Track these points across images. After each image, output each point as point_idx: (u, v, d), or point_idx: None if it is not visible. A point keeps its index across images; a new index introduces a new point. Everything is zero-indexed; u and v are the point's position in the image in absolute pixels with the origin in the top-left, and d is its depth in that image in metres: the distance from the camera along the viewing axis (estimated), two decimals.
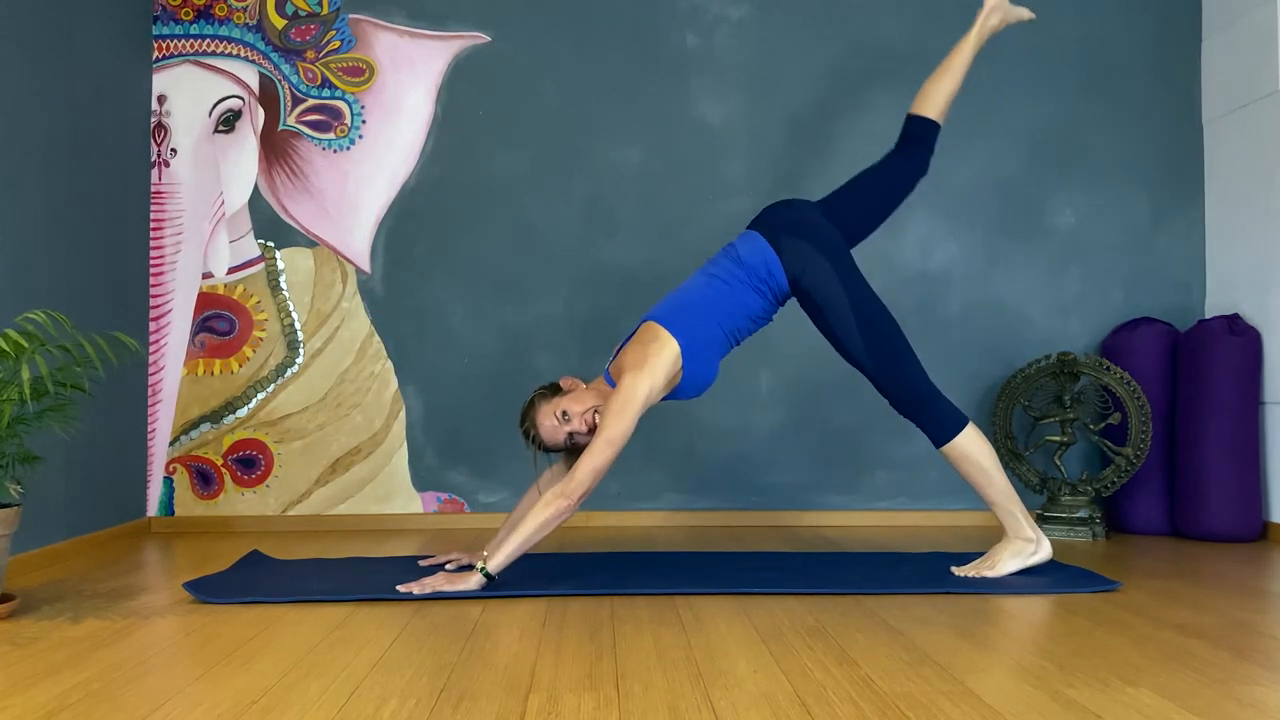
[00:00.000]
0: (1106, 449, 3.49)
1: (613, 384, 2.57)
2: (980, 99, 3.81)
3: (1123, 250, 3.80)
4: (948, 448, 2.58)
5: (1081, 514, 3.41)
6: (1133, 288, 3.79)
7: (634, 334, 2.59)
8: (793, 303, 2.70)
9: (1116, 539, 3.43)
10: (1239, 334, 3.40)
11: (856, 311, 2.59)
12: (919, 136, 2.82)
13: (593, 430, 2.52)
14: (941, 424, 2.58)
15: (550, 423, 2.54)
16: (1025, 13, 2.89)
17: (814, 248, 2.61)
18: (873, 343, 2.58)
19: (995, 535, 3.38)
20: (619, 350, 2.61)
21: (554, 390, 2.61)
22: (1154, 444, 3.51)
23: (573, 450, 2.61)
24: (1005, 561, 2.60)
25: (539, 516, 2.40)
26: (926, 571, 2.68)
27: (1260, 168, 3.49)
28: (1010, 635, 2.07)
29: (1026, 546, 2.61)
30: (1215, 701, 1.61)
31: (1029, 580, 2.55)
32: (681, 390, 2.59)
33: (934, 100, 2.83)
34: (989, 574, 2.58)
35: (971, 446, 2.57)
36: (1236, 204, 3.63)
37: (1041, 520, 3.44)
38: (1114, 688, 1.68)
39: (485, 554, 2.47)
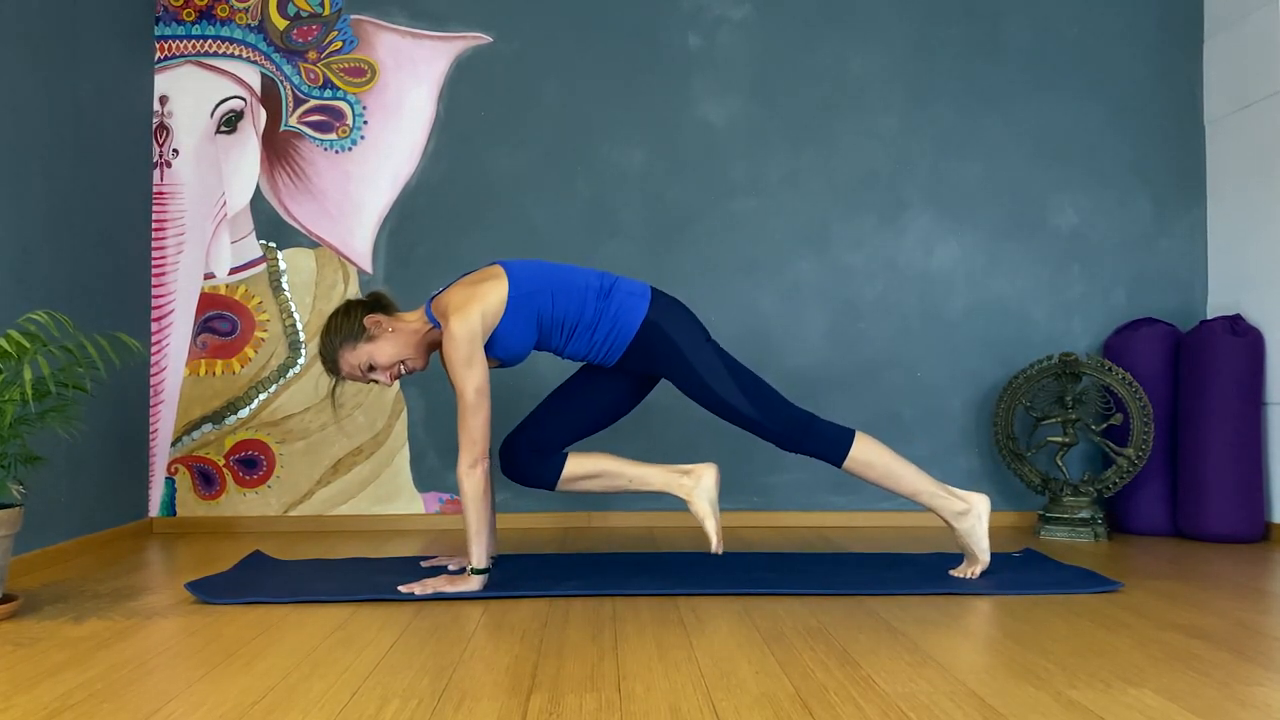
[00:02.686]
0: (1108, 450, 3.48)
1: (431, 315, 2.53)
2: (982, 99, 3.82)
3: (1125, 251, 3.80)
4: (848, 462, 2.56)
5: (1083, 515, 3.40)
6: (1135, 288, 3.79)
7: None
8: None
9: (1118, 539, 3.42)
10: (1241, 335, 3.40)
11: (725, 361, 2.58)
12: (545, 463, 2.66)
13: (398, 378, 2.55)
14: (832, 442, 2.56)
15: (355, 374, 2.53)
16: (712, 530, 2.59)
17: (685, 315, 2.60)
18: (748, 388, 2.56)
19: (999, 533, 3.39)
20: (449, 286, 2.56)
21: (358, 334, 2.50)
22: (1156, 445, 3.51)
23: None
24: (974, 544, 2.58)
25: (472, 492, 2.40)
26: (928, 572, 2.68)
27: (1262, 168, 3.49)
28: (1012, 635, 2.07)
29: (968, 519, 2.58)
30: (1217, 702, 1.61)
31: (1031, 580, 2.55)
32: (492, 344, 2.50)
33: (579, 469, 2.63)
34: (980, 567, 2.59)
35: (869, 453, 2.56)
36: (1238, 204, 3.63)
37: (1043, 521, 3.45)
38: (1116, 688, 1.68)
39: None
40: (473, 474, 2.41)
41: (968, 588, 2.49)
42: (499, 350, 2.53)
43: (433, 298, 2.56)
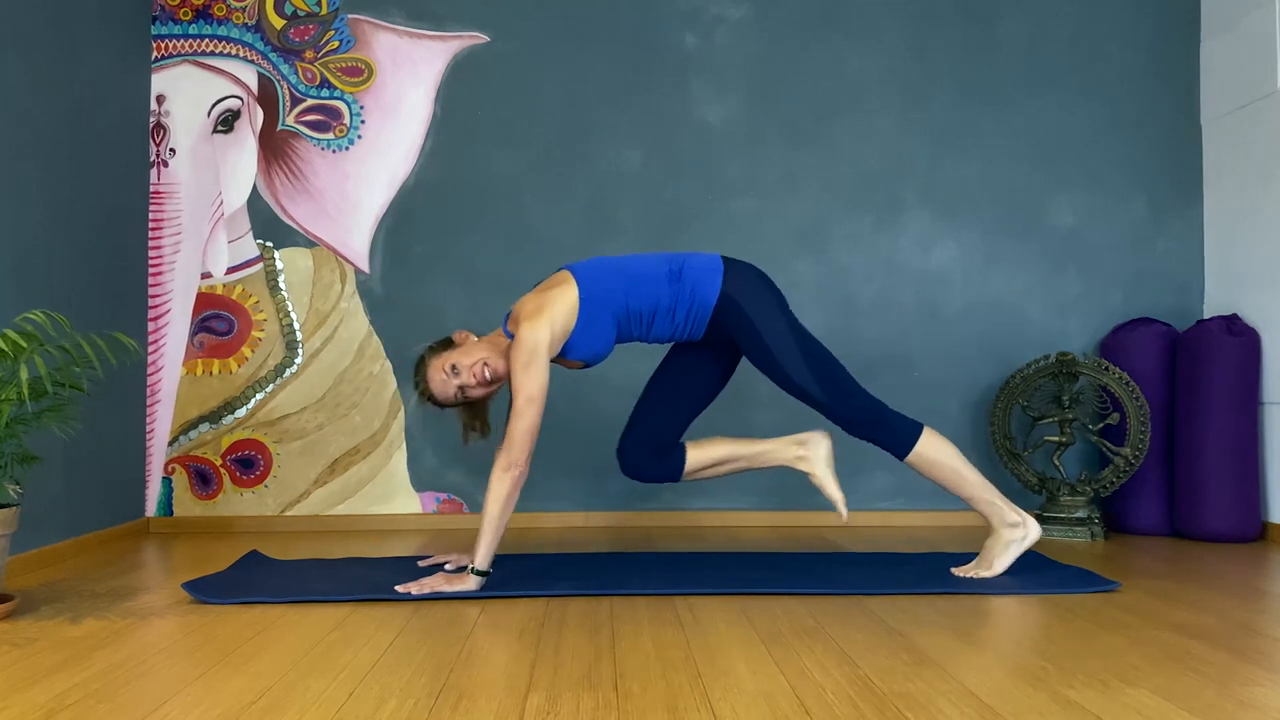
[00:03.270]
0: (1105, 449, 3.49)
1: (508, 332, 2.55)
2: (979, 99, 3.82)
3: (1122, 250, 3.80)
4: (911, 457, 2.57)
5: (1080, 514, 3.41)
6: (1132, 288, 3.79)
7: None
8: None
9: (1115, 539, 3.43)
10: (1238, 334, 3.40)
11: (800, 344, 2.57)
12: (666, 459, 2.71)
13: (483, 383, 2.52)
14: (900, 435, 2.57)
15: (440, 376, 2.52)
16: (837, 497, 2.67)
17: (761, 286, 2.60)
18: (819, 371, 2.56)
19: None
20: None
21: (445, 344, 2.58)
22: (1153, 444, 3.51)
23: (467, 406, 2.61)
24: (999, 558, 2.60)
25: (498, 495, 2.41)
26: (925, 572, 2.68)
27: (1260, 168, 3.49)
28: (1009, 636, 2.07)
29: (1015, 533, 2.60)
30: (1215, 702, 1.61)
31: (1028, 580, 2.55)
32: (571, 349, 2.53)
33: (700, 459, 2.70)
34: (986, 574, 2.58)
35: (934, 450, 2.57)
36: (1236, 204, 3.63)
37: (1040, 521, 3.45)
38: (1113, 688, 1.68)
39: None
40: (504, 477, 2.41)
41: (965, 588, 2.49)
42: (581, 353, 2.55)
43: (508, 315, 2.59)
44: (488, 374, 2.51)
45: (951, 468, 2.57)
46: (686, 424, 2.77)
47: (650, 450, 2.70)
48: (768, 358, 2.57)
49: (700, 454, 2.70)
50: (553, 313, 2.46)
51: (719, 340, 2.67)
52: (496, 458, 2.43)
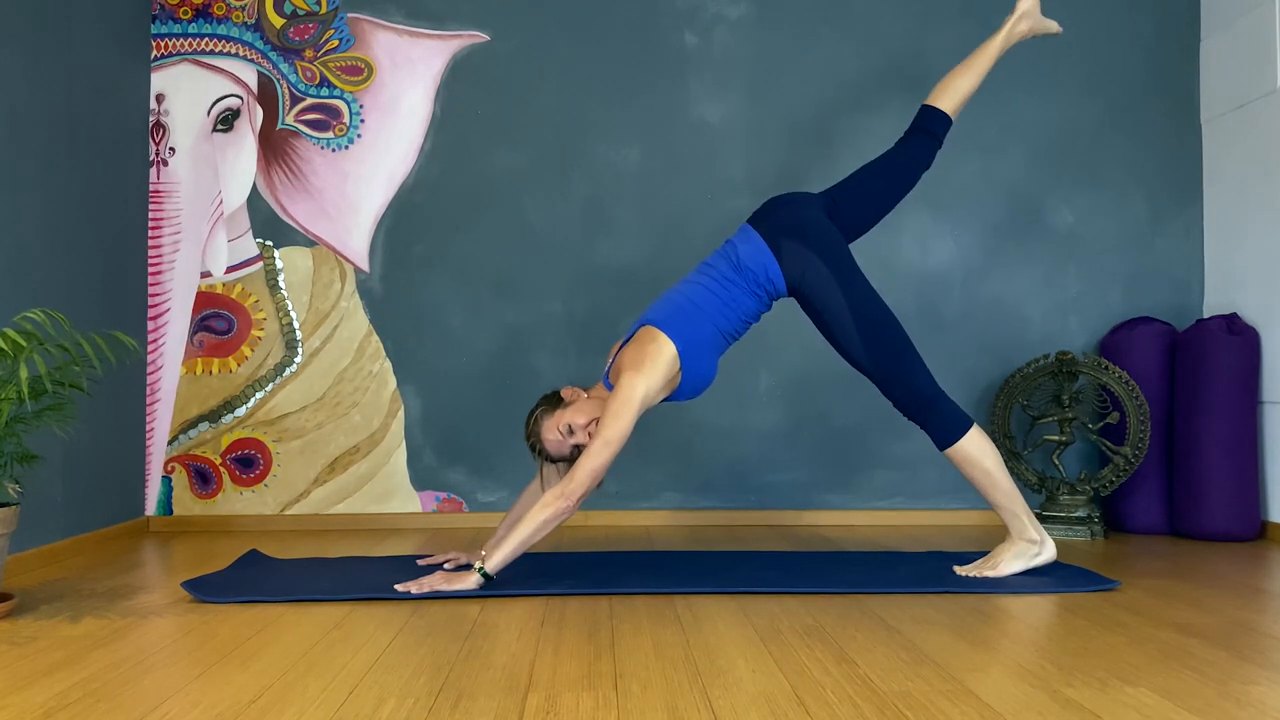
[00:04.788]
0: (1105, 448, 3.49)
1: (609, 385, 2.57)
2: (979, 98, 3.80)
3: (1121, 250, 3.80)
4: (952, 450, 2.57)
5: (1080, 513, 3.41)
6: (1131, 287, 3.79)
7: (631, 336, 2.59)
8: (786, 300, 2.70)
9: (1115, 538, 3.43)
10: (1237, 334, 3.40)
11: (856, 315, 2.58)
12: (930, 128, 2.83)
13: None
14: (946, 426, 2.57)
15: (555, 437, 2.55)
16: (1053, 25, 2.93)
17: (814, 252, 2.60)
18: (873, 346, 2.57)
19: (994, 534, 3.39)
20: (617, 352, 2.61)
21: (556, 401, 2.60)
22: (1152, 443, 3.51)
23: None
24: (1008, 562, 2.60)
25: (539, 517, 2.41)
26: (925, 571, 2.68)
27: (1259, 167, 3.49)
28: (1009, 635, 2.07)
29: (1030, 548, 2.61)
30: (1214, 701, 1.61)
31: (1027, 580, 2.55)
32: (681, 392, 2.59)
33: (951, 94, 2.84)
34: (990, 574, 2.58)
35: (975, 449, 2.57)
36: (1235, 203, 3.63)
37: (1040, 520, 3.44)
38: (1113, 687, 1.68)
39: (483, 553, 2.47)
40: (555, 503, 2.41)
41: (965, 587, 2.49)
42: (689, 393, 2.60)
43: (606, 373, 2.62)
44: None
45: (987, 471, 2.57)
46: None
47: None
48: (825, 328, 2.64)
49: (952, 87, 2.87)
50: (653, 369, 2.48)
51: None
52: (560, 483, 2.42)
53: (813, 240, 2.61)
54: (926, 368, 2.61)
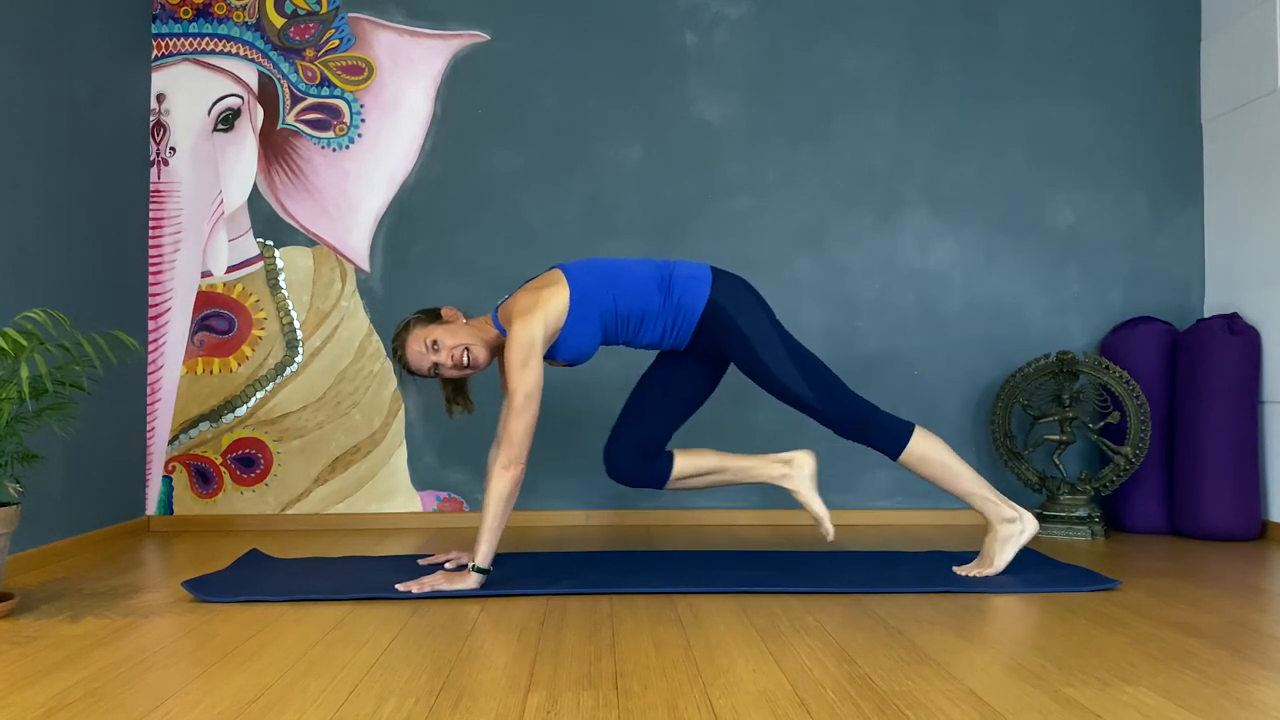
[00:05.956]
0: (1105, 448, 3.49)
1: (498, 324, 2.56)
2: (979, 98, 3.82)
3: (1122, 249, 3.80)
4: (904, 456, 2.57)
5: (1080, 513, 3.41)
6: (1132, 287, 3.79)
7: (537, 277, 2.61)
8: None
9: (1115, 538, 3.43)
10: (1238, 333, 3.40)
11: (788, 345, 2.59)
12: (652, 464, 2.70)
13: (458, 366, 2.53)
14: (891, 434, 2.57)
15: (419, 348, 2.53)
16: (822, 514, 2.67)
17: (749, 294, 2.62)
18: (809, 375, 2.58)
19: None
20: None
21: (433, 316, 2.59)
22: (1153, 443, 3.51)
23: (449, 381, 2.63)
24: (999, 553, 2.60)
25: (497, 493, 2.42)
26: (925, 570, 2.68)
27: (1259, 167, 3.49)
28: (1009, 634, 2.07)
29: (1012, 528, 2.60)
30: (1214, 700, 1.61)
31: (1028, 579, 2.55)
32: (558, 348, 2.55)
33: (688, 468, 2.69)
34: (989, 572, 2.58)
35: (927, 448, 2.57)
36: (1236, 203, 3.63)
37: (1040, 519, 3.45)
38: (1113, 687, 1.68)
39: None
40: (504, 475, 2.42)
41: (965, 586, 2.49)
42: (566, 353, 2.56)
43: (498, 306, 2.60)
44: (466, 359, 2.53)
45: (944, 464, 2.58)
46: (674, 429, 2.77)
47: (639, 454, 2.70)
48: (757, 362, 2.59)
49: (688, 462, 2.70)
50: (546, 311, 2.48)
51: (704, 350, 2.69)
52: (495, 456, 2.43)
53: (743, 320, 2.60)
54: (851, 389, 2.62)
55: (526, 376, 2.43)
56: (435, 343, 2.52)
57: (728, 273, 2.66)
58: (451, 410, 2.70)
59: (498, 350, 2.61)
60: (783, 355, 2.58)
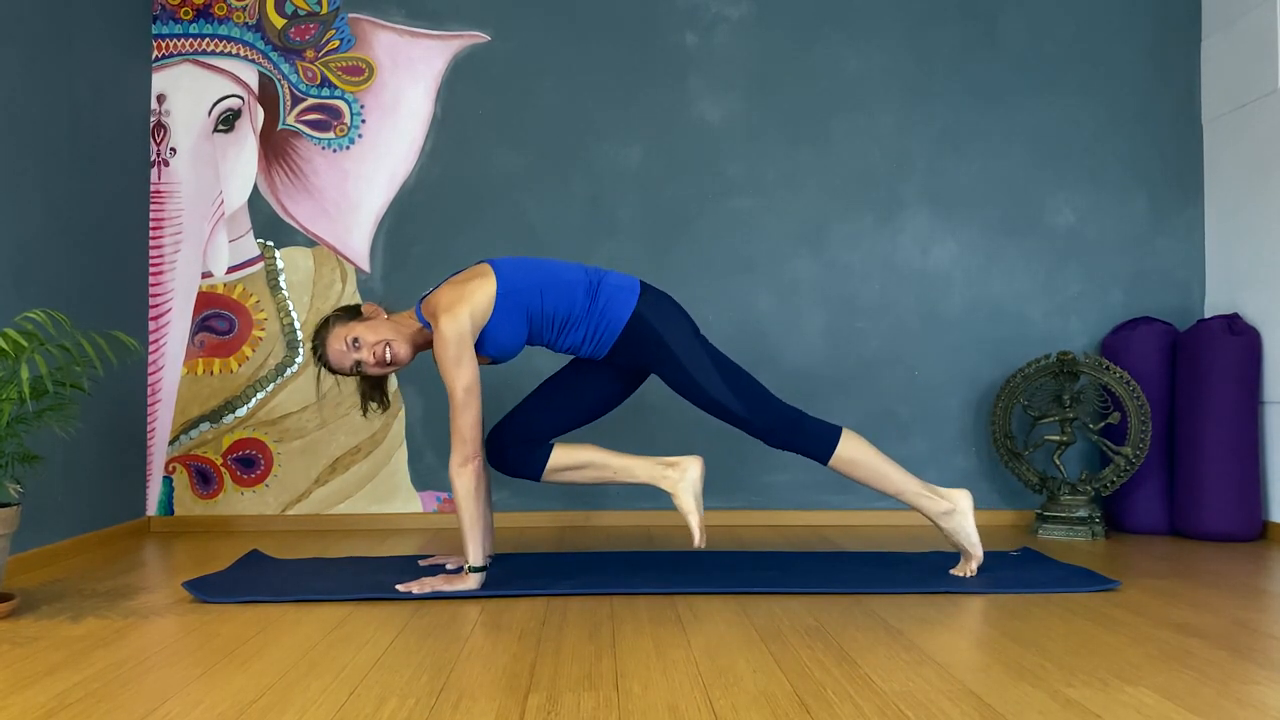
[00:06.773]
0: (1106, 448, 3.49)
1: (421, 316, 2.55)
2: (979, 98, 3.82)
3: (1122, 250, 3.80)
4: (834, 459, 2.56)
5: (1081, 513, 3.41)
6: (1132, 287, 3.79)
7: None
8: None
9: (1116, 538, 3.43)
10: (1238, 334, 3.40)
11: (713, 355, 2.58)
12: (532, 454, 2.63)
13: (381, 364, 2.51)
14: (820, 439, 2.56)
15: (340, 346, 2.51)
16: (694, 523, 2.54)
17: (674, 309, 2.61)
18: (734, 384, 2.56)
19: (994, 532, 3.39)
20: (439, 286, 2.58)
21: (354, 313, 2.57)
22: (1153, 443, 3.51)
23: (367, 378, 2.62)
24: (964, 541, 2.59)
25: (465, 490, 2.42)
26: (925, 571, 2.68)
27: (1260, 167, 3.49)
28: (1009, 634, 2.07)
29: (953, 518, 2.58)
30: (1214, 700, 1.61)
31: (1028, 579, 2.56)
32: (483, 342, 2.52)
33: (565, 460, 2.61)
34: (976, 562, 2.59)
35: (856, 450, 2.57)
36: (1236, 203, 3.63)
37: (1041, 520, 3.45)
38: (1113, 687, 1.68)
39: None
40: (463, 472, 2.42)
41: (965, 586, 2.50)
42: (490, 348, 2.54)
43: (422, 299, 2.58)
44: (388, 355, 2.51)
45: (873, 466, 2.57)
46: (564, 430, 2.72)
47: (519, 440, 2.63)
48: (682, 373, 2.56)
49: (566, 455, 2.61)
50: (472, 304, 2.46)
51: (621, 364, 2.67)
52: (451, 454, 2.43)
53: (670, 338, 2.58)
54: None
55: (462, 373, 2.42)
56: (356, 340, 2.50)
57: (656, 289, 2.64)
58: (366, 409, 2.68)
59: (421, 345, 2.60)
60: (708, 367, 2.56)
